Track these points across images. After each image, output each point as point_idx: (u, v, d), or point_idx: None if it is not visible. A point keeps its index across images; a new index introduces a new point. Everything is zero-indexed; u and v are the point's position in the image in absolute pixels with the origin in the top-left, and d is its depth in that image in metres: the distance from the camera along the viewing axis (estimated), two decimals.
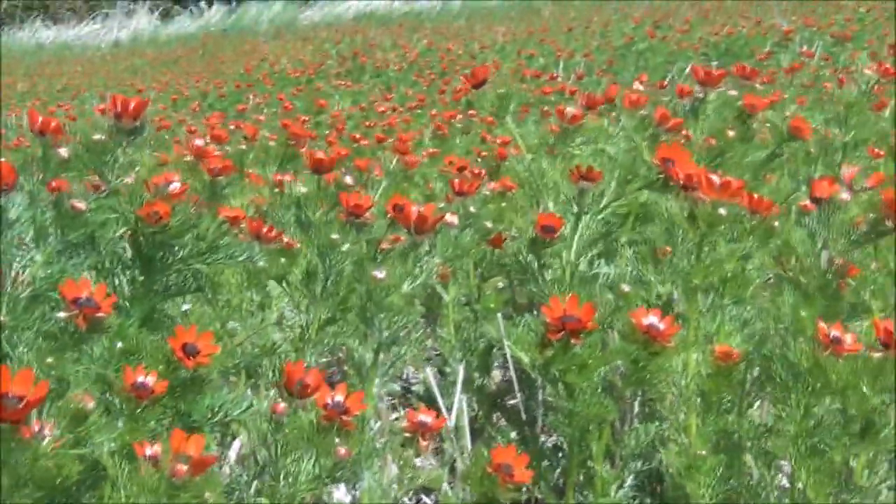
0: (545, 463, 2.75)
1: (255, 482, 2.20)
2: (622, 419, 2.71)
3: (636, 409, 2.79)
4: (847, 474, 2.23)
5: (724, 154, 2.80)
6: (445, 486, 2.70)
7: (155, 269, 2.01)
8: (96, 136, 2.05)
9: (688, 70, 8.72)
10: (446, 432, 2.94)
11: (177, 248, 1.99)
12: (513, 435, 2.96)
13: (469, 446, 2.97)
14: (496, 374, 3.48)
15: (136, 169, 2.18)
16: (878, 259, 2.61)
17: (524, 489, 2.64)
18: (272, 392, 2.39)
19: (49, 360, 1.72)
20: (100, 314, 1.70)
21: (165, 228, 1.96)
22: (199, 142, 2.97)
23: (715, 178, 2.15)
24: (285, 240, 2.60)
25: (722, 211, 2.14)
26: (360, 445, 1.86)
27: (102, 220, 1.96)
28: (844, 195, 2.16)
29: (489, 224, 3.16)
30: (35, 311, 1.79)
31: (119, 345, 1.87)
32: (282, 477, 1.73)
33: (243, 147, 4.21)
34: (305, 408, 1.69)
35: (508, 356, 3.05)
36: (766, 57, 12.00)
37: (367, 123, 8.19)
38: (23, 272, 1.84)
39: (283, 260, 2.57)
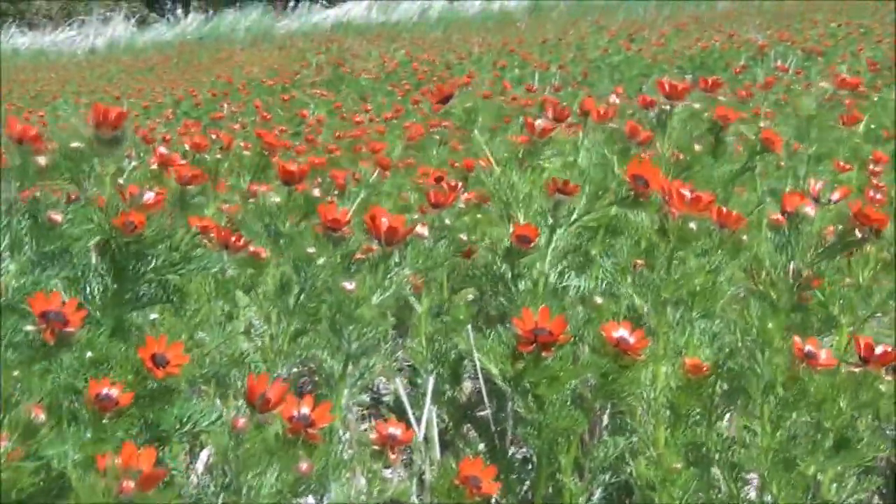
0: (514, 475, 2.74)
1: (222, 493, 2.19)
2: (591, 432, 2.72)
3: (606, 421, 2.79)
4: (815, 488, 2.24)
5: (692, 168, 2.81)
6: (414, 498, 2.70)
7: (127, 278, 2.00)
8: (74, 145, 2.04)
9: (651, 83, 8.76)
10: (416, 444, 2.94)
11: (150, 258, 1.98)
12: (482, 447, 2.96)
13: (438, 458, 2.97)
14: (467, 386, 3.48)
15: (118, 179, 2.18)
16: (851, 274, 2.62)
17: (492, 501, 2.64)
18: (241, 402, 2.38)
19: (16, 373, 1.71)
20: (68, 329, 1.69)
21: (140, 238, 1.95)
22: (163, 149, 2.97)
23: (686, 193, 2.16)
24: (254, 250, 2.59)
25: (692, 225, 2.15)
26: (328, 457, 1.85)
27: (78, 233, 1.95)
28: (810, 209, 2.17)
29: (464, 236, 3.16)
30: (7, 322, 1.78)
31: (89, 354, 1.86)
32: (243, 491, 1.72)
33: (218, 156, 4.19)
34: (268, 421, 1.68)
35: (478, 368, 3.05)
36: (741, 70, 12.07)
37: (342, 134, 8.17)
38: None
39: (251, 270, 2.56)
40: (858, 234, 2.11)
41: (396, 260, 2.25)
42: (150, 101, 15.01)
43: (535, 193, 2.55)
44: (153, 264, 1.97)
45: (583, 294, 2.61)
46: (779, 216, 2.50)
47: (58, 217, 1.96)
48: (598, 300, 2.47)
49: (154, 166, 2.97)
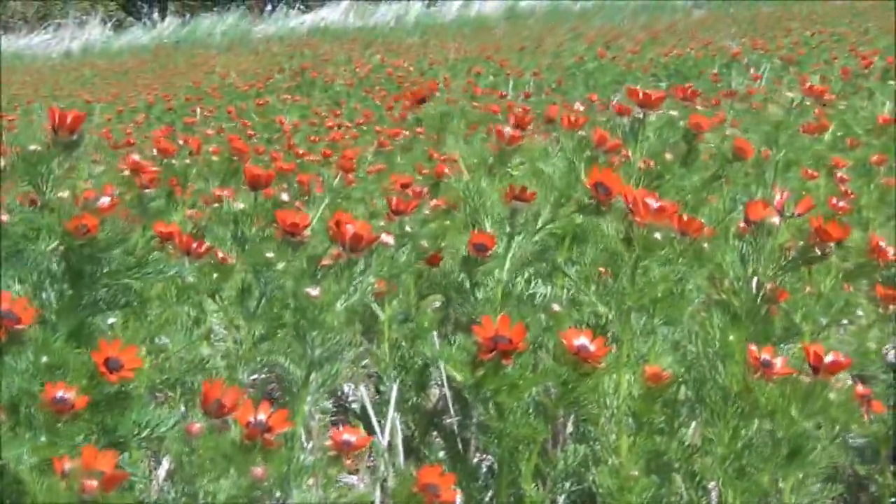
0: (477, 483, 2.74)
1: (182, 499, 2.18)
2: (554, 439, 2.72)
3: (569, 429, 2.79)
4: (777, 496, 2.25)
5: (664, 176, 2.82)
6: None
7: (83, 283, 1.99)
8: (32, 147, 2.04)
9: (622, 92, 8.77)
10: (381, 451, 2.93)
11: (105, 262, 1.97)
12: (442, 454, 2.96)
13: (402, 465, 2.96)
14: (434, 393, 3.47)
15: (77, 182, 2.17)
16: (812, 283, 2.63)
17: None
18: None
19: None
20: (19, 326, 1.68)
21: (93, 242, 1.94)
22: (135, 156, 2.95)
23: (651, 202, 2.16)
24: (220, 255, 2.58)
25: (657, 234, 2.15)
26: (288, 464, 1.85)
27: (22, 232, 1.94)
28: (774, 220, 2.18)
29: (425, 243, 3.16)
30: None
31: (44, 359, 1.85)
32: (199, 497, 1.72)
33: (187, 161, 4.18)
34: (224, 427, 1.67)
35: (443, 375, 3.04)
36: (716, 78, 12.11)
37: (314, 138, 8.17)
38: None
39: (215, 275, 2.55)
40: (818, 252, 2.12)
41: (361, 267, 2.25)
42: (123, 106, 14.94)
43: (500, 201, 2.55)
44: (108, 268, 1.96)
45: (548, 302, 2.61)
46: (743, 225, 2.51)
47: (4, 217, 1.95)
48: (556, 307, 2.47)
49: (126, 172, 2.95)
